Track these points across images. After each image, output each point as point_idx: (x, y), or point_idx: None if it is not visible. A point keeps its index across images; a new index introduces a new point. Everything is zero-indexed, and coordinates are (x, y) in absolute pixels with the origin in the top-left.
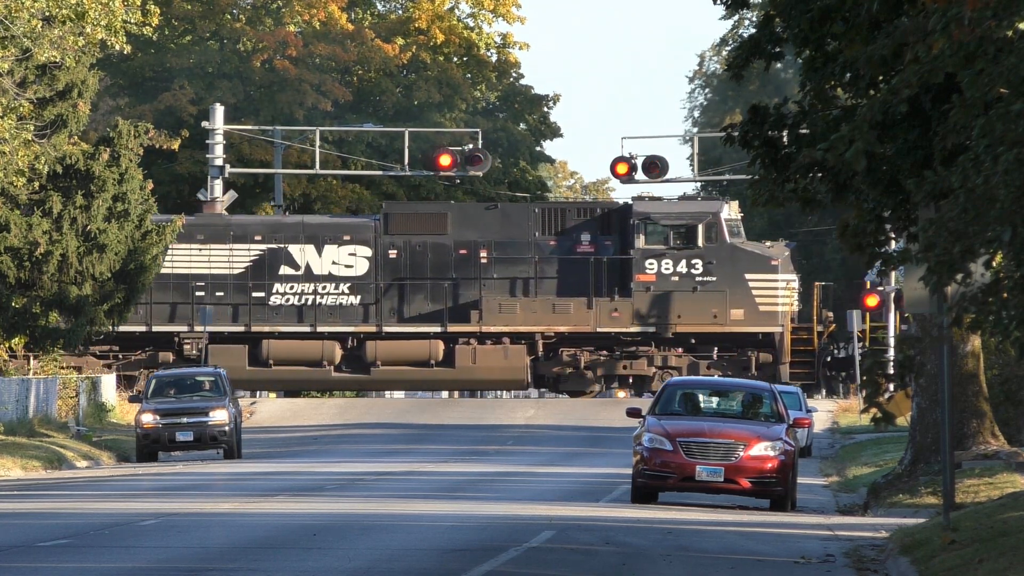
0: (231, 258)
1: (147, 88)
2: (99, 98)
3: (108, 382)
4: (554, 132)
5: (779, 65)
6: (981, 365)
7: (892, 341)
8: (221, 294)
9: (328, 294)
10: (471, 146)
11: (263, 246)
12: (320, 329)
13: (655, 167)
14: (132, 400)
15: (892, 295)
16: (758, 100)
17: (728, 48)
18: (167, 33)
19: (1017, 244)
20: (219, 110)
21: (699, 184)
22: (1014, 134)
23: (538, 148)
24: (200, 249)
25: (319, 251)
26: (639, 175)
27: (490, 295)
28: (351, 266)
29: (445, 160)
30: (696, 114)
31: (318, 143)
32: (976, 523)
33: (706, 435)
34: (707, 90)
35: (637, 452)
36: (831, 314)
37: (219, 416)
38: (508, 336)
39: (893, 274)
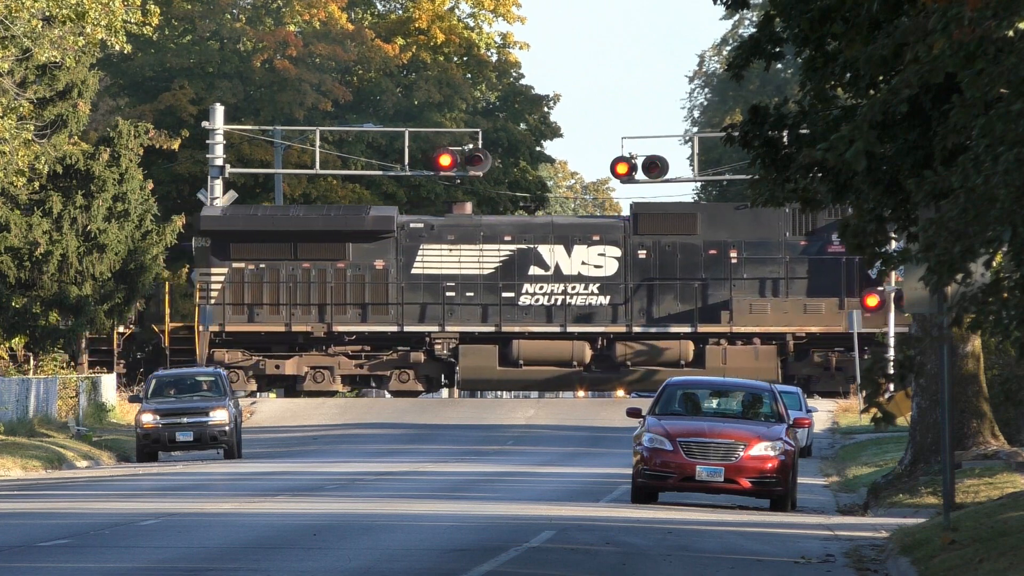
0: (481, 258)
1: (147, 88)
2: (99, 98)
3: (108, 382)
4: (554, 132)
5: (779, 65)
6: (981, 365)
7: (892, 341)
8: (471, 294)
9: (577, 294)
10: (471, 146)
11: (513, 246)
12: (570, 329)
13: (655, 167)
14: (132, 400)
15: (892, 295)
16: (758, 100)
17: (728, 48)
18: (167, 33)
19: (1017, 244)
20: (219, 110)
21: (699, 184)
22: (1014, 134)
23: (538, 148)
24: (451, 249)
25: (568, 251)
26: (639, 175)
27: (740, 295)
28: (600, 266)
29: (445, 160)
30: (696, 114)
31: (318, 143)
32: (976, 523)
33: (706, 435)
34: (707, 90)
35: (637, 452)
36: None
37: (219, 416)
38: (758, 336)
39: (893, 274)
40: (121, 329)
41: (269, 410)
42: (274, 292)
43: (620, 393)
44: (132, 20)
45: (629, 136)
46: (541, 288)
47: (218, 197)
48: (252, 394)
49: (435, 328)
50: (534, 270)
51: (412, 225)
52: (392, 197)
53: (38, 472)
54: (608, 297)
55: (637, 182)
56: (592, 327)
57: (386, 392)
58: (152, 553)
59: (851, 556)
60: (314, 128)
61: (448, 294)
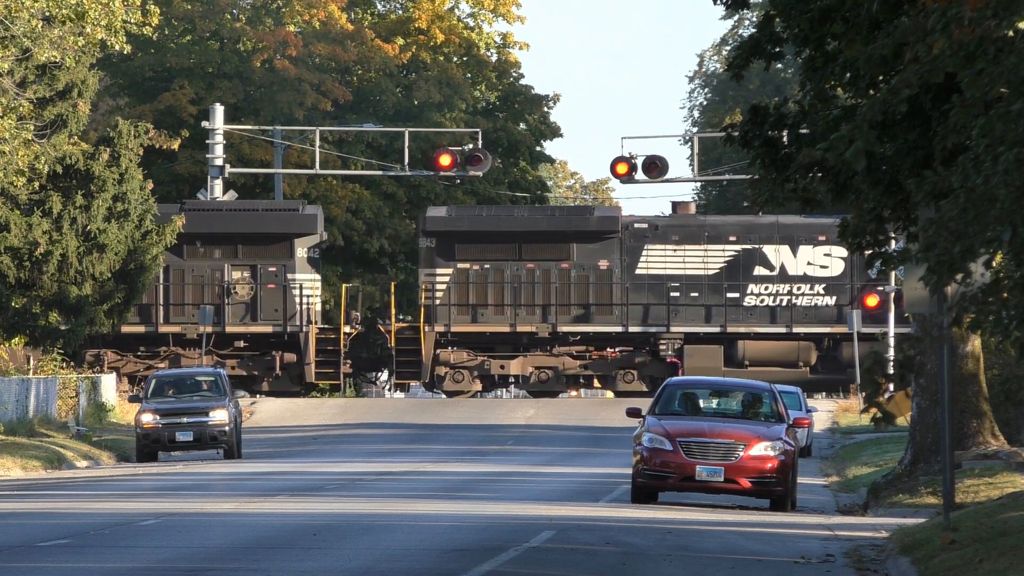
0: (706, 258)
1: (147, 88)
2: (99, 98)
3: (108, 382)
4: (554, 132)
5: (779, 65)
6: (981, 365)
7: (892, 341)
8: (695, 295)
9: (803, 295)
10: (471, 146)
11: (737, 247)
12: (795, 330)
13: (655, 167)
14: (131, 400)
15: (892, 295)
16: (758, 100)
17: (728, 48)
18: (167, 33)
19: (1017, 244)
20: (219, 110)
21: (699, 184)
22: (1014, 134)
23: (538, 148)
24: (675, 250)
25: (794, 251)
26: (639, 175)
27: None
28: (826, 267)
29: (445, 160)
30: (696, 114)
31: (318, 143)
32: (976, 523)
33: (706, 435)
34: (707, 90)
35: (637, 452)
36: None
37: (219, 416)
38: None
39: (893, 274)
40: (347, 329)
41: (269, 410)
42: (498, 292)
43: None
44: (132, 20)
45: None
46: (766, 288)
47: (218, 197)
48: (251, 393)
49: (660, 328)
50: (759, 270)
51: (636, 225)
52: (392, 197)
53: (38, 472)
54: (834, 298)
55: (637, 182)
56: (818, 328)
57: (608, 392)
58: (152, 553)
59: (851, 556)
60: (314, 128)
61: (672, 294)
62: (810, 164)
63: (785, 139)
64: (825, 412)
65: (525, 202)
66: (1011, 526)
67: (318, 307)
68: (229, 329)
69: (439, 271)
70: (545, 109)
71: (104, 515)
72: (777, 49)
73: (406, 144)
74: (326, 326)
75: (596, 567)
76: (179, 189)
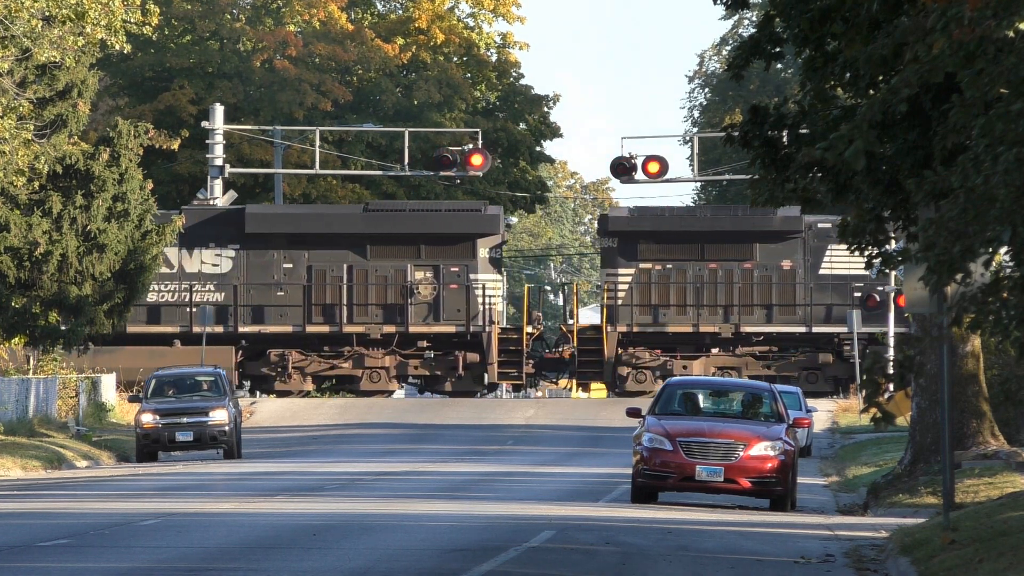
0: None
1: (147, 88)
2: (99, 98)
3: (108, 382)
4: (554, 132)
5: (779, 65)
6: (981, 365)
7: (892, 341)
8: None
9: None
10: (471, 146)
11: None
12: None
13: (655, 167)
14: (132, 400)
15: (892, 295)
16: (758, 100)
17: (728, 48)
18: (167, 33)
19: (1017, 244)
20: (219, 110)
21: (699, 184)
22: (1014, 134)
23: (538, 148)
24: None
25: None
26: (639, 175)
27: None
28: None
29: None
30: (696, 114)
31: (318, 143)
32: (976, 523)
33: (706, 435)
34: (707, 90)
35: (637, 452)
36: None
37: (219, 416)
38: None
39: (893, 274)
40: (530, 329)
41: (269, 410)
42: (680, 293)
43: None
44: (132, 20)
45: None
46: None
47: (218, 197)
48: (251, 393)
49: (843, 329)
50: None
51: (819, 225)
52: (392, 197)
53: (38, 472)
54: None
55: (637, 182)
56: None
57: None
58: (152, 553)
59: (851, 556)
60: (314, 128)
61: (856, 295)
62: (810, 164)
63: (785, 139)
64: (825, 412)
65: (525, 202)
66: (1011, 526)
67: (500, 307)
68: (412, 329)
69: (621, 271)
70: (545, 109)
71: (104, 515)
72: (777, 49)
73: (406, 144)
74: (508, 326)
75: (596, 567)
76: (179, 189)
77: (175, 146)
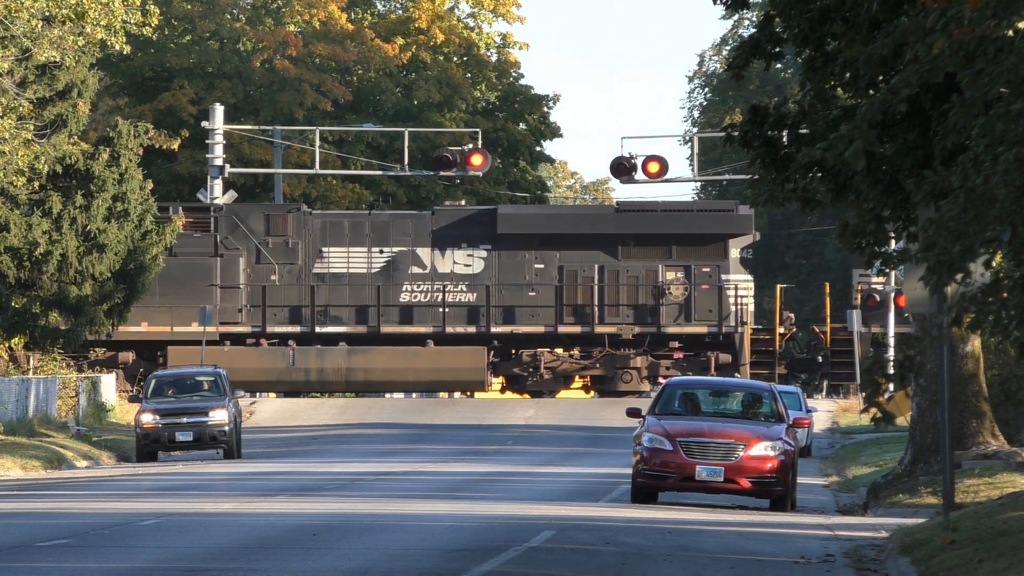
0: None
1: (147, 88)
2: (99, 98)
3: (108, 382)
4: (554, 132)
5: (779, 65)
6: (981, 365)
7: (892, 341)
8: None
9: None
10: (471, 146)
11: None
12: None
13: (655, 167)
14: (131, 400)
15: (892, 295)
16: (758, 100)
17: (728, 48)
18: (167, 33)
19: (1017, 244)
20: (219, 110)
21: (699, 184)
22: (1014, 134)
23: (538, 148)
24: None
25: None
26: (639, 175)
27: None
28: None
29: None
30: (696, 114)
31: (318, 143)
32: (976, 523)
33: (706, 435)
34: (707, 90)
35: (637, 452)
36: None
37: (219, 416)
38: None
39: (893, 274)
40: (781, 330)
41: (269, 410)
42: None
43: None
44: (132, 20)
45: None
46: None
47: (218, 197)
48: (251, 393)
49: None
50: None
51: None
52: (392, 197)
53: (38, 472)
54: None
55: (637, 182)
56: None
57: None
58: (152, 553)
59: (851, 556)
60: (314, 128)
61: None
62: (810, 164)
63: (785, 139)
64: (825, 412)
65: (524, 202)
66: (1011, 526)
67: (751, 308)
68: (664, 330)
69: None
70: (545, 109)
71: (104, 515)
72: (777, 49)
73: (406, 144)
74: (759, 327)
75: (596, 567)
76: (179, 189)
77: (175, 146)
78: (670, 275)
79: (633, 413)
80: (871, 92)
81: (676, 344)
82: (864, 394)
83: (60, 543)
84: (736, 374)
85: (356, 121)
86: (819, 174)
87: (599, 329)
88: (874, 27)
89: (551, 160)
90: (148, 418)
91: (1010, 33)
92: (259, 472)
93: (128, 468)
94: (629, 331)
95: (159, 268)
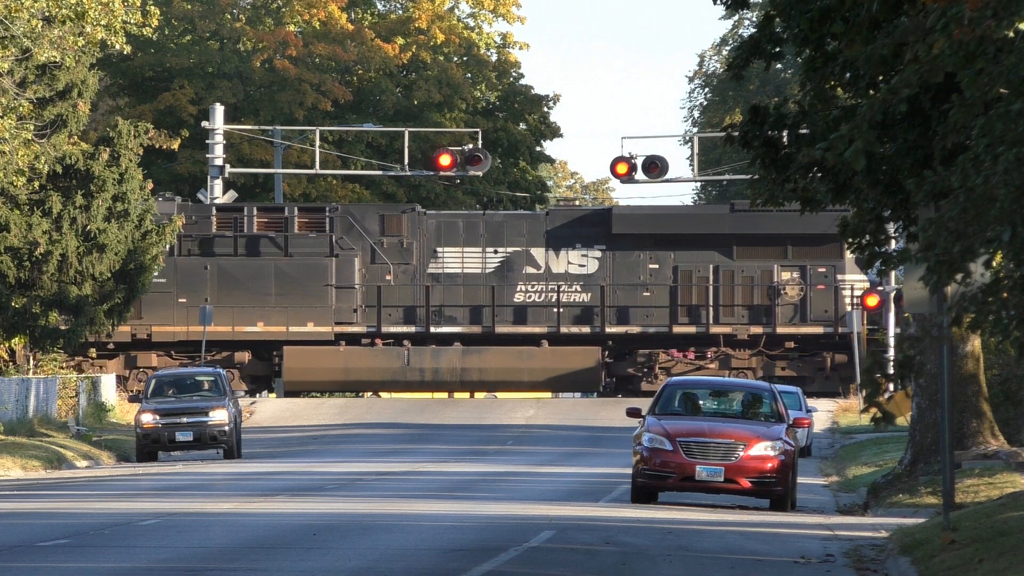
0: None
1: (147, 88)
2: (99, 98)
3: (108, 382)
4: (554, 132)
5: (779, 65)
6: (981, 365)
7: (892, 341)
8: None
9: None
10: (471, 146)
11: None
12: None
13: (655, 167)
14: (132, 400)
15: (892, 295)
16: (758, 100)
17: (728, 48)
18: (167, 33)
19: (1017, 244)
20: (219, 110)
21: (699, 184)
22: (1014, 134)
23: (538, 148)
24: None
25: None
26: (639, 175)
27: None
28: None
29: (445, 160)
30: (696, 114)
31: (318, 143)
32: (976, 523)
33: (706, 435)
34: (707, 90)
35: (637, 452)
36: None
37: (219, 416)
38: None
39: (893, 274)
40: (897, 330)
41: (269, 410)
42: None
43: None
44: (132, 20)
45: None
46: None
47: (218, 197)
48: (252, 393)
49: None
50: None
51: None
52: (392, 197)
53: (38, 472)
54: None
55: (637, 182)
56: None
57: None
58: (152, 553)
59: (851, 556)
60: (314, 128)
61: None
62: (810, 164)
63: (785, 139)
64: (825, 412)
65: (525, 202)
66: (1011, 526)
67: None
68: (779, 330)
69: None
70: (545, 109)
71: (104, 515)
72: (777, 49)
73: (406, 144)
74: (873, 327)
75: (596, 567)
76: (179, 189)
77: (175, 146)
78: (785, 275)
79: (633, 413)
80: (871, 92)
81: (791, 345)
82: (864, 394)
83: (60, 543)
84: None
85: (356, 121)
86: (819, 174)
87: (714, 329)
88: (874, 27)
89: (551, 160)
90: (148, 418)
91: (1010, 33)
92: (259, 472)
93: (128, 468)
94: (744, 331)
95: (159, 268)
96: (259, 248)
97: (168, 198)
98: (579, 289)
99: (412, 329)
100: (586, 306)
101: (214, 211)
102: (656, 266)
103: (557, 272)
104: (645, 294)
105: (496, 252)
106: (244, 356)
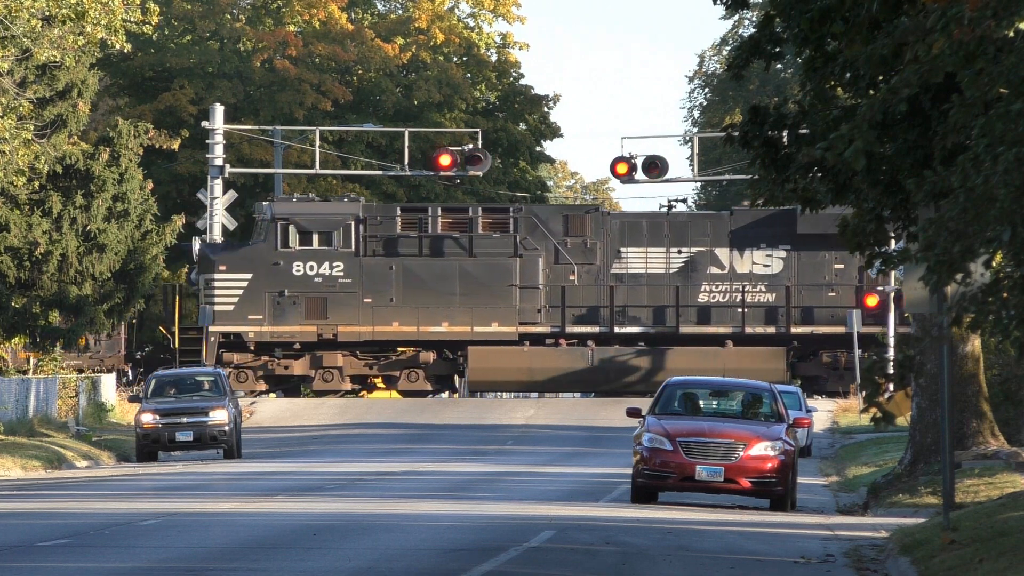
0: None
1: (147, 88)
2: (99, 98)
3: (108, 382)
4: (554, 132)
5: (779, 65)
6: (981, 365)
7: (892, 341)
8: None
9: None
10: (471, 146)
11: None
12: None
13: (655, 167)
14: (132, 400)
15: (892, 295)
16: (758, 100)
17: (728, 48)
18: (167, 33)
19: (1017, 244)
20: (219, 110)
21: (699, 184)
22: (1014, 134)
23: (538, 148)
24: None
25: None
26: (639, 175)
27: None
28: None
29: (445, 160)
30: (696, 114)
31: (318, 143)
32: (976, 523)
33: (706, 435)
34: (707, 90)
35: (637, 452)
36: None
37: (219, 416)
38: None
39: (893, 274)
40: None
41: (269, 410)
42: None
43: None
44: (132, 20)
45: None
46: None
47: (218, 197)
48: (251, 393)
49: None
50: None
51: None
52: (392, 197)
53: (38, 472)
54: None
55: (637, 182)
56: None
57: None
58: (152, 553)
59: (851, 556)
60: (314, 128)
61: None
62: (810, 164)
63: (785, 139)
64: (825, 412)
65: (525, 202)
66: (1011, 526)
67: None
68: None
69: None
70: (545, 109)
71: (104, 515)
72: (777, 49)
73: (406, 144)
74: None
75: (596, 567)
76: (179, 189)
77: (175, 146)
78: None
79: (633, 413)
80: (871, 92)
81: None
82: (864, 394)
83: (60, 543)
84: None
85: (356, 121)
86: (819, 174)
87: (900, 330)
88: (874, 27)
89: (551, 160)
90: (148, 418)
91: (1010, 33)
92: (259, 472)
93: (128, 468)
94: None
95: (159, 268)
96: (443, 248)
97: (353, 198)
98: (763, 289)
99: (596, 329)
100: (770, 306)
101: (399, 211)
102: (841, 266)
103: (741, 272)
104: (830, 294)
105: (680, 252)
106: (429, 356)
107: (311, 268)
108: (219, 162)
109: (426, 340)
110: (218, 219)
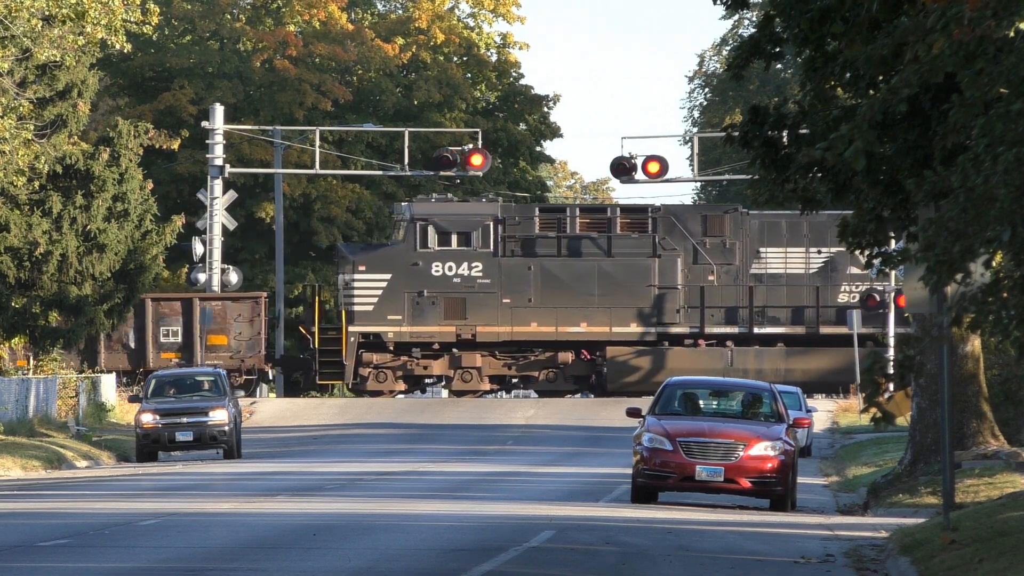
0: None
1: (147, 88)
2: (99, 98)
3: (108, 381)
4: (554, 132)
5: (779, 65)
6: (981, 365)
7: (892, 341)
8: None
9: None
10: (471, 146)
11: None
12: None
13: (655, 167)
14: (132, 400)
15: (892, 295)
16: (758, 100)
17: (728, 48)
18: (167, 33)
19: (1017, 244)
20: (219, 110)
21: (699, 184)
22: (1014, 134)
23: (538, 148)
24: None
25: None
26: (639, 175)
27: None
28: None
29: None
30: (696, 114)
31: (318, 143)
32: (976, 523)
33: (706, 435)
34: (707, 90)
35: (637, 452)
36: None
37: (219, 416)
38: None
39: (893, 274)
40: None
41: (269, 410)
42: None
43: None
44: (132, 20)
45: (629, 136)
46: None
47: (218, 197)
48: (252, 393)
49: None
50: None
51: None
52: (392, 197)
53: (38, 472)
54: None
55: (637, 182)
56: None
57: None
58: (152, 553)
59: (851, 556)
60: (314, 128)
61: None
62: (810, 164)
63: (785, 139)
64: (825, 412)
65: (525, 202)
66: (1011, 526)
67: None
68: None
69: None
70: (545, 109)
71: (104, 515)
72: (777, 49)
73: (406, 144)
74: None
75: (596, 567)
76: (179, 189)
77: (175, 146)
78: None
79: (633, 413)
80: (871, 92)
81: None
82: (864, 394)
83: (60, 543)
84: None
85: (356, 121)
86: (819, 174)
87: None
88: (874, 27)
89: (551, 160)
90: (148, 418)
91: (1010, 33)
92: (259, 472)
93: (128, 468)
94: None
95: (159, 268)
96: (581, 249)
97: (491, 199)
98: None
99: (735, 330)
100: None
101: (537, 212)
102: None
103: None
104: None
105: (820, 252)
106: (567, 356)
107: (450, 268)
108: (219, 162)
109: (564, 340)
110: (218, 219)
